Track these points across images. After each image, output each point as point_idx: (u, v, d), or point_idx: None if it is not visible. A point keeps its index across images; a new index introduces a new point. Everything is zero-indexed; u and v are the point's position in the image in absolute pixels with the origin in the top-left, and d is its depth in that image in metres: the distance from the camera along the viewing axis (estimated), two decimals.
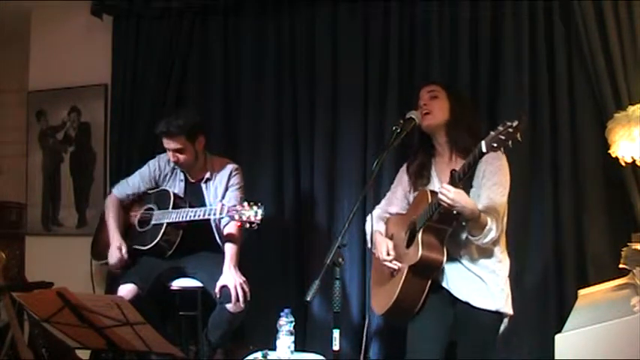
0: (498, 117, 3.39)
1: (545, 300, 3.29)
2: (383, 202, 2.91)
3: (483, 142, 2.22)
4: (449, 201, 2.36)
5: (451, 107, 2.65)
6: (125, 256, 3.29)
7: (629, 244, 2.73)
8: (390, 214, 2.85)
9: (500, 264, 2.60)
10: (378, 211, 2.88)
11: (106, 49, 4.24)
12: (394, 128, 2.56)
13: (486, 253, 2.58)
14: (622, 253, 2.72)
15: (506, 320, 2.59)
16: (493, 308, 2.53)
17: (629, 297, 2.27)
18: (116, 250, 3.30)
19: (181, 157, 3.25)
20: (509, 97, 3.39)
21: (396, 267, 2.62)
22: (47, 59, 4.46)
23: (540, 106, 3.37)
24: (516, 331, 3.24)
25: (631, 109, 2.86)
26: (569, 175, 3.31)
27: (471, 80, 3.47)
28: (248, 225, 2.96)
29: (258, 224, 2.96)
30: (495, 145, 2.18)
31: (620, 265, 2.71)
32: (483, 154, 2.25)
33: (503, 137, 2.16)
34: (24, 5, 4.44)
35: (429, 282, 2.56)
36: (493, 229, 2.45)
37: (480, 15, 3.49)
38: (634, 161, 2.83)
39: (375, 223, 2.79)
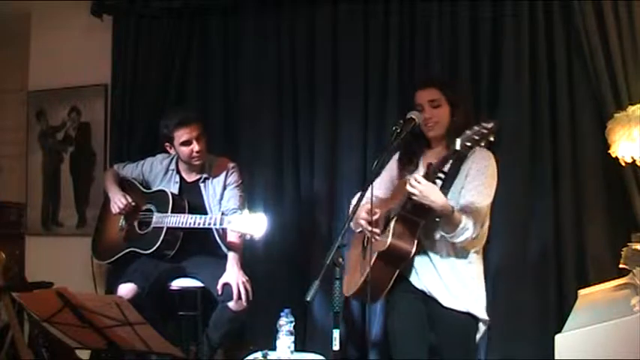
0: (498, 117, 3.40)
1: (545, 300, 3.29)
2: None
3: (458, 140, 2.29)
4: (417, 193, 2.40)
5: (452, 112, 2.65)
6: (130, 200, 3.34)
7: (629, 244, 2.73)
8: (375, 197, 2.84)
9: (469, 265, 2.60)
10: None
11: (106, 49, 4.24)
12: (394, 128, 2.56)
13: (458, 252, 2.58)
14: (622, 253, 2.72)
15: (482, 325, 2.57)
16: (461, 309, 2.53)
17: (629, 297, 2.27)
18: (121, 197, 3.34)
19: (202, 145, 3.25)
20: (509, 97, 3.39)
21: (375, 235, 2.57)
22: (47, 59, 4.46)
23: (540, 106, 3.37)
24: (516, 331, 3.24)
25: (631, 109, 2.86)
26: (569, 175, 3.31)
27: (470, 80, 3.47)
28: (249, 236, 2.95)
29: (259, 235, 2.93)
30: (469, 144, 2.27)
31: (620, 265, 2.71)
32: (457, 151, 2.32)
33: (476, 137, 2.25)
34: (24, 5, 4.44)
35: (397, 271, 2.56)
36: (469, 229, 2.46)
37: (479, 15, 3.49)
38: (634, 161, 2.83)
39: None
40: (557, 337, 2.12)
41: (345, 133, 3.73)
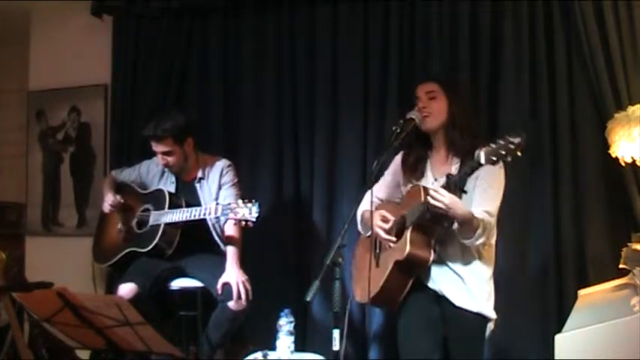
0: (498, 117, 3.41)
1: (545, 300, 3.29)
2: (375, 187, 2.84)
3: (482, 154, 2.23)
4: (442, 206, 2.36)
5: (449, 107, 2.65)
6: (119, 198, 3.39)
7: (629, 244, 2.73)
8: (380, 200, 2.84)
9: (484, 265, 2.61)
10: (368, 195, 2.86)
11: (106, 49, 4.24)
12: (394, 128, 2.56)
13: (471, 252, 2.58)
14: (622, 253, 2.72)
15: (491, 324, 2.60)
16: (475, 309, 2.54)
17: (629, 297, 2.27)
18: (110, 195, 3.40)
19: (170, 159, 3.28)
20: (509, 97, 3.39)
21: (391, 242, 2.59)
22: (47, 59, 4.46)
23: (540, 106, 3.37)
24: (517, 331, 3.24)
25: (631, 109, 2.86)
26: (569, 175, 3.31)
27: (470, 80, 3.47)
28: (244, 223, 2.97)
29: (253, 222, 2.95)
30: (494, 158, 2.21)
31: (620, 265, 2.71)
32: (481, 165, 2.26)
33: (503, 152, 2.20)
34: (24, 5, 4.44)
35: (412, 279, 2.57)
36: (486, 229, 2.47)
37: (479, 15, 3.49)
38: (634, 161, 2.83)
39: (365, 205, 2.75)
40: (557, 337, 2.12)
41: (345, 134, 3.72)
